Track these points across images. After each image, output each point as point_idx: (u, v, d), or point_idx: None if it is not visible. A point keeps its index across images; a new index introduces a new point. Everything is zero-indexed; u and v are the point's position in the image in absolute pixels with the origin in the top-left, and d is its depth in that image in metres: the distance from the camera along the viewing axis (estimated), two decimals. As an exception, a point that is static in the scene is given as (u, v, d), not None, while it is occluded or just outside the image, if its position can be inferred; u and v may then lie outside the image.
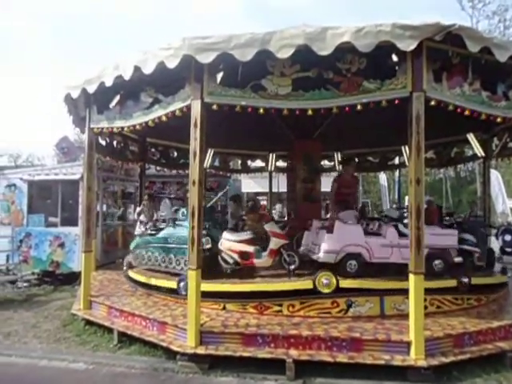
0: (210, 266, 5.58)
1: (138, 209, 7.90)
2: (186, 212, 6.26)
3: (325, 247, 5.40)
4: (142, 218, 7.57)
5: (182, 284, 5.57)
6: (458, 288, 5.40)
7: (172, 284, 5.77)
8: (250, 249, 5.82)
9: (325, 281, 5.11)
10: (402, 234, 5.56)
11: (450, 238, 5.78)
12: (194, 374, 4.29)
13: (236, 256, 5.83)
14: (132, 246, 6.94)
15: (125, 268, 7.23)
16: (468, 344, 4.43)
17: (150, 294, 6.04)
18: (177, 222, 6.37)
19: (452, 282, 5.41)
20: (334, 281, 5.11)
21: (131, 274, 6.84)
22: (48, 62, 57.79)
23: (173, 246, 6.18)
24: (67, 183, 8.93)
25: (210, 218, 6.63)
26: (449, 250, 5.75)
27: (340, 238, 5.44)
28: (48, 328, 5.82)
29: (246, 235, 5.98)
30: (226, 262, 5.86)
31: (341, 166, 6.71)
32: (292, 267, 5.59)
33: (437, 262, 5.58)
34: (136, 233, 7.40)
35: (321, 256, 5.41)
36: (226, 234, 6.02)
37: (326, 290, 5.10)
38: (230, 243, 5.90)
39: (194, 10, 63.65)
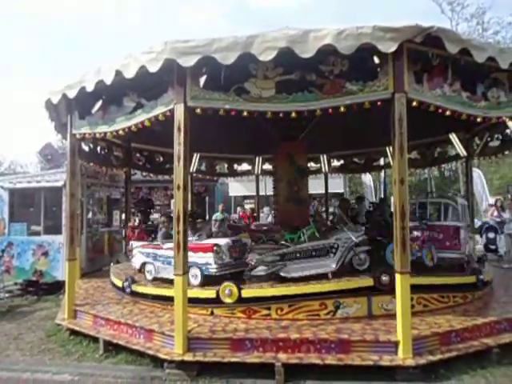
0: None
1: None
2: None
3: None
4: None
5: None
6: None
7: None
8: None
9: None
10: None
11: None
12: (182, 382, 4.22)
13: None
14: None
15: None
16: (455, 342, 4.47)
17: (137, 302, 5.94)
18: None
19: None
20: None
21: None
22: (31, 68, 56.86)
23: None
24: (50, 190, 8.73)
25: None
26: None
27: None
28: (31, 339, 5.67)
29: None
30: None
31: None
32: None
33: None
34: None
35: None
36: None
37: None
38: None
39: (179, 20, 63.51)
